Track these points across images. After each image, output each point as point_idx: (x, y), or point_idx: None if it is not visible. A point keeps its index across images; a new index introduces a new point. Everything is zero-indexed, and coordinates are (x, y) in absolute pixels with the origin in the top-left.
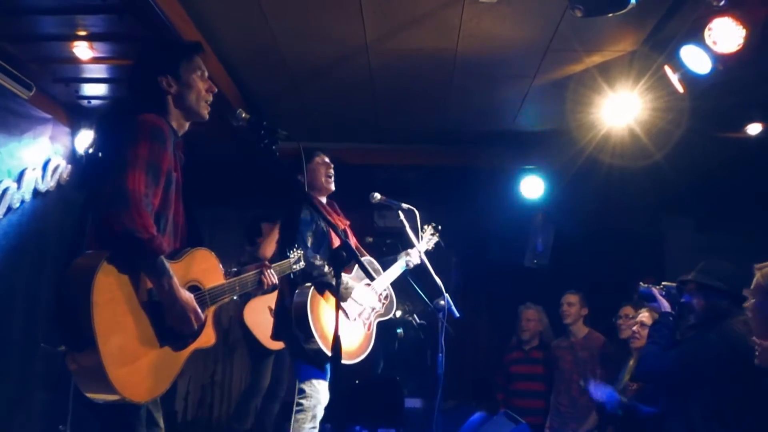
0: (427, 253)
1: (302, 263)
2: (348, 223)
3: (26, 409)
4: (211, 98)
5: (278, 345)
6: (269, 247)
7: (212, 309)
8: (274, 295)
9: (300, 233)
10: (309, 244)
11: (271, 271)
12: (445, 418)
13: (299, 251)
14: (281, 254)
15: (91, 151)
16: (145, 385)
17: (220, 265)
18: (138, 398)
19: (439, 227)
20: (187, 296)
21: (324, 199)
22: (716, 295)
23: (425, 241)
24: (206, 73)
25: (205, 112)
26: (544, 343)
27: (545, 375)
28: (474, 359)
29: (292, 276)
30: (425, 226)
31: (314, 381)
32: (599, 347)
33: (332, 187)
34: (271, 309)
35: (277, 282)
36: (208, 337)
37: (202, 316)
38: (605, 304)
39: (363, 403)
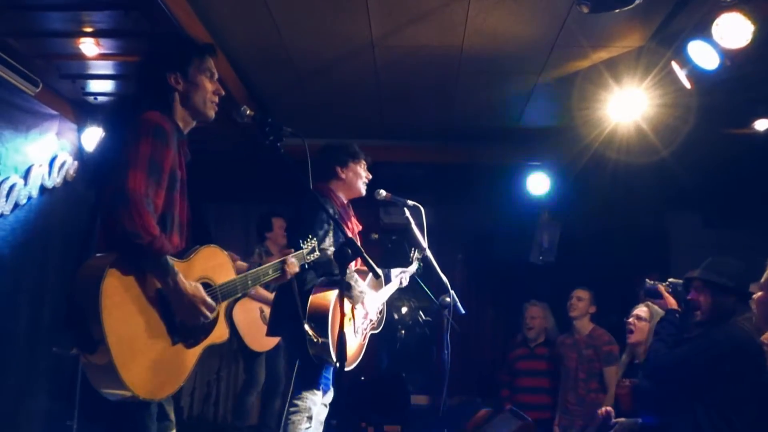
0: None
1: (316, 253)
2: (360, 228)
3: (32, 403)
4: (217, 100)
5: (263, 347)
6: (280, 242)
7: (224, 305)
8: (265, 298)
9: (319, 232)
10: (330, 241)
11: (294, 259)
12: (451, 415)
13: (313, 241)
14: (293, 246)
15: (96, 149)
16: (158, 382)
17: (230, 261)
18: (152, 396)
19: (426, 251)
20: (194, 288)
21: (346, 200)
22: (723, 292)
23: (415, 265)
24: (216, 75)
25: (212, 112)
26: (549, 339)
27: (550, 371)
28: (479, 356)
29: (306, 266)
30: (413, 250)
31: (307, 393)
32: (604, 344)
33: (364, 192)
34: (262, 310)
35: (298, 270)
36: (221, 333)
37: (215, 305)
38: (611, 300)
39: (368, 400)
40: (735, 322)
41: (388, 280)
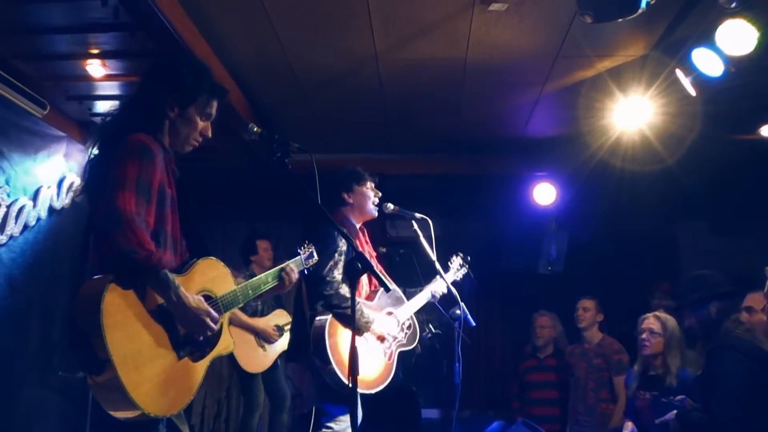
0: (454, 282)
1: (315, 258)
2: (375, 254)
3: (44, 423)
4: (200, 140)
5: (258, 368)
6: (266, 264)
7: (227, 316)
8: (248, 325)
9: (332, 255)
10: (339, 271)
11: (293, 266)
12: (462, 428)
13: (310, 246)
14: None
15: (88, 169)
16: (168, 398)
17: (229, 271)
18: (163, 412)
19: (469, 258)
20: (197, 301)
21: (358, 224)
22: (702, 304)
23: (453, 271)
24: (213, 117)
25: (188, 149)
26: (558, 350)
27: (560, 383)
28: (489, 368)
29: (306, 272)
30: (453, 257)
31: (341, 416)
32: (613, 353)
33: (376, 213)
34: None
35: (297, 278)
36: (225, 344)
37: (218, 316)
38: (620, 309)
39: (379, 414)
40: (726, 331)
41: (408, 296)
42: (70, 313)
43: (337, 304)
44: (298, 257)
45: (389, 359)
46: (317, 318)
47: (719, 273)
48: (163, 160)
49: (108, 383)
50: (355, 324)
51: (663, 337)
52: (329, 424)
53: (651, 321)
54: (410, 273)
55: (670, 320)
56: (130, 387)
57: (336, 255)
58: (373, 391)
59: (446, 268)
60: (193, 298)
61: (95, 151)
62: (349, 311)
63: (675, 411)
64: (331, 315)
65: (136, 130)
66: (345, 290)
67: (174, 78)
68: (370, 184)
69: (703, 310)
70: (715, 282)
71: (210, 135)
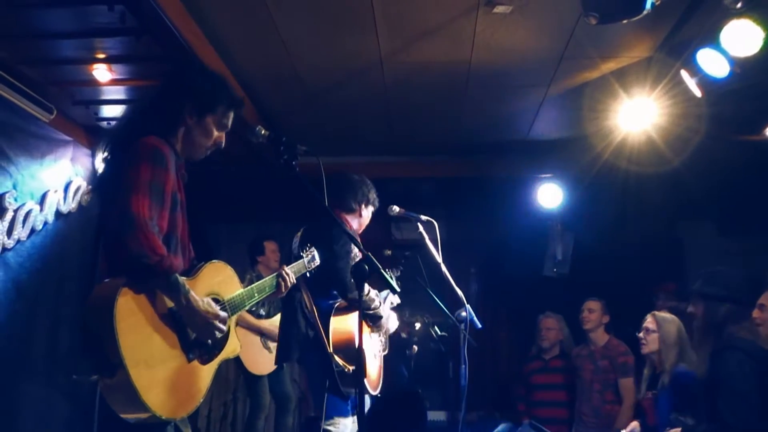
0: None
1: (317, 262)
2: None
3: (50, 426)
4: (213, 149)
5: (264, 370)
6: (272, 266)
7: (234, 319)
8: (255, 326)
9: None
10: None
11: (290, 271)
12: (469, 431)
13: (312, 249)
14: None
15: (99, 173)
16: (177, 401)
17: (236, 274)
18: (173, 415)
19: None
20: (206, 304)
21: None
22: (715, 301)
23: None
24: (228, 128)
25: (200, 157)
26: (564, 352)
27: (566, 384)
28: (495, 370)
29: (308, 275)
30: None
31: (339, 418)
32: (619, 355)
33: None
34: (262, 334)
35: (295, 282)
36: (233, 347)
37: (226, 317)
38: (626, 311)
39: (385, 417)
40: (731, 333)
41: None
42: (82, 316)
43: (367, 306)
44: (301, 261)
45: (380, 362)
46: (340, 314)
47: (745, 278)
48: (174, 164)
49: (119, 386)
50: (380, 324)
51: (657, 334)
52: (326, 427)
53: (648, 320)
54: (415, 276)
55: (668, 319)
56: (142, 389)
57: (347, 243)
58: (376, 392)
59: (438, 251)
60: (202, 301)
61: (106, 154)
62: (372, 311)
63: (680, 429)
64: (355, 315)
65: (148, 133)
66: (373, 293)
67: (193, 85)
68: (375, 195)
69: (715, 306)
70: (737, 286)
71: (223, 145)
